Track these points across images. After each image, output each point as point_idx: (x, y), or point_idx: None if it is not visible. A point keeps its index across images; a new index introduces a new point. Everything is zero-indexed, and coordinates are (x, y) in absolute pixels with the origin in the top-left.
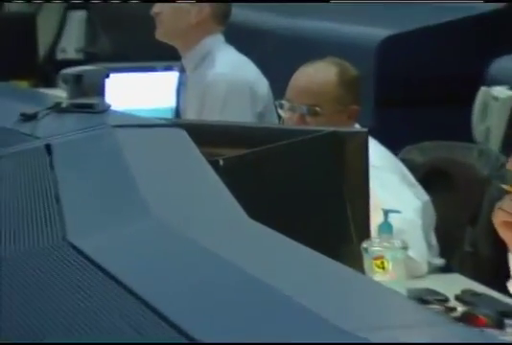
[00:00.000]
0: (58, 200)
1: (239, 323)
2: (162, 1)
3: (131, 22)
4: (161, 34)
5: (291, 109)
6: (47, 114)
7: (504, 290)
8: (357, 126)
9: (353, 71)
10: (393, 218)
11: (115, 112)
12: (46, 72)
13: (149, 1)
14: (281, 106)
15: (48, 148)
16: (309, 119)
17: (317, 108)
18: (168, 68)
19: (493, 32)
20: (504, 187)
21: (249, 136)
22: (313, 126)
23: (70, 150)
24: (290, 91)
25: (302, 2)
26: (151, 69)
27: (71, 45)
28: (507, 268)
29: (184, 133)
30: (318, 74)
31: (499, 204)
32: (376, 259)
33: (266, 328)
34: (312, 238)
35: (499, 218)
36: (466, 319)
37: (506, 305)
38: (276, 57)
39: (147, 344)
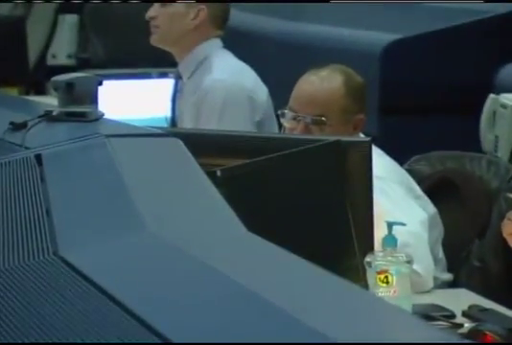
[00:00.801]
0: (49, 213)
1: (222, 330)
2: (162, 1)
3: (125, 26)
4: (157, 40)
5: (295, 119)
6: (37, 123)
7: None
8: (360, 136)
9: (358, 79)
10: (398, 231)
11: (108, 121)
12: (36, 78)
13: (149, 1)
14: (283, 116)
15: (38, 158)
16: (314, 129)
17: (323, 118)
18: (163, 75)
19: (502, 36)
20: None
21: (249, 146)
22: (317, 136)
23: (61, 161)
24: (293, 101)
25: (302, 2)
26: (146, 76)
27: (62, 50)
28: None
29: (180, 143)
30: (324, 83)
31: (508, 215)
32: (380, 273)
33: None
34: (313, 251)
35: (508, 229)
36: (473, 336)
37: None
38: (276, 62)
39: None
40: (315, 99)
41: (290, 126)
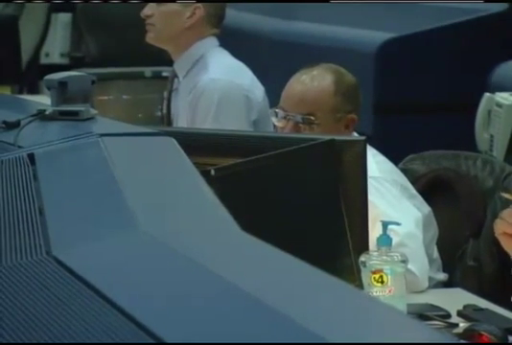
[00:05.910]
0: (41, 212)
1: (215, 330)
2: (161, 1)
3: (118, 25)
4: (152, 38)
5: (285, 118)
6: (30, 122)
7: (508, 306)
8: (354, 135)
9: (350, 78)
10: (392, 231)
11: (101, 120)
12: (30, 77)
13: (149, 1)
14: (274, 115)
15: (31, 157)
16: (303, 128)
17: (312, 117)
18: (157, 74)
19: (497, 35)
20: (506, 196)
21: (243, 145)
22: (312, 135)
23: (54, 160)
24: (284, 100)
25: (302, 2)
26: (140, 75)
27: (55, 49)
28: (511, 283)
29: (174, 142)
30: (314, 82)
31: (501, 214)
32: (374, 273)
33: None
34: (307, 250)
35: (499, 229)
36: (468, 336)
37: (510, 321)
38: (272, 61)
39: None
40: (305, 98)
41: (281, 125)
